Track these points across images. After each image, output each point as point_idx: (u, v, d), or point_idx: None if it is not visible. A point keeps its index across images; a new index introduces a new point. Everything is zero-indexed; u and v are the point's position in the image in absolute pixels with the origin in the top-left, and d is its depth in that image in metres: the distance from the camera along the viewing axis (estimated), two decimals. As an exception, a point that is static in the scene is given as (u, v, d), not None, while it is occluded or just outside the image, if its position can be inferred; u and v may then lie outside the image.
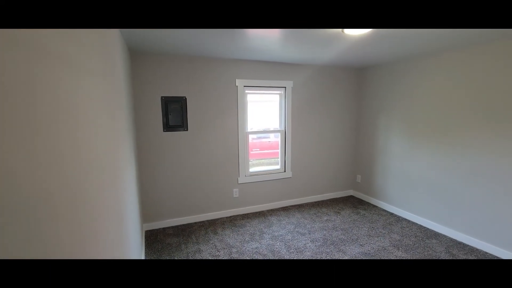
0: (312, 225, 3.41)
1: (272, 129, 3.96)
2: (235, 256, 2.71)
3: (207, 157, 3.48)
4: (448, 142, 3.02)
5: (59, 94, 0.66)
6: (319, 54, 3.16)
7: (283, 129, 3.94)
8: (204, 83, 3.32)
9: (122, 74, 2.07)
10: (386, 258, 2.65)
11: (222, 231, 3.25)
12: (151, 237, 3.11)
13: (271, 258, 2.68)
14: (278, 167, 4.03)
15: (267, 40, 2.52)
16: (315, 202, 4.24)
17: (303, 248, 2.84)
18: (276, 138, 4.05)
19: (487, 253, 2.70)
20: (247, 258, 2.67)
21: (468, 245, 2.86)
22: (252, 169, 3.86)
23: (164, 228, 3.34)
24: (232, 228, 3.34)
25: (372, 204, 4.11)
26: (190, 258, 2.69)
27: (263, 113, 3.89)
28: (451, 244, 2.90)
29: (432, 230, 3.21)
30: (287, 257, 2.69)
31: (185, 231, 3.26)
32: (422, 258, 2.64)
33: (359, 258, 2.65)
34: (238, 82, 3.48)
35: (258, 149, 4.07)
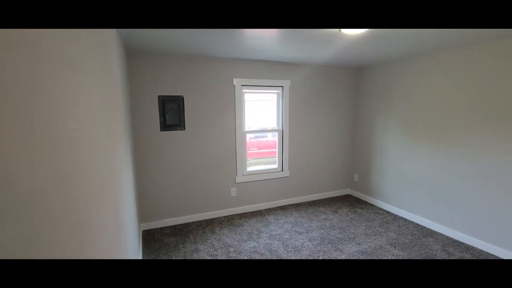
0: (309, 224, 3.42)
1: (269, 128, 3.96)
2: (233, 255, 2.71)
3: (205, 156, 3.47)
4: (445, 141, 3.04)
5: (57, 93, 0.65)
6: (316, 53, 3.16)
7: (280, 128, 3.95)
8: (202, 82, 3.32)
9: (119, 73, 2.05)
10: (384, 257, 2.66)
11: (220, 231, 3.25)
12: (149, 237, 3.10)
13: (269, 257, 2.69)
14: (275, 166, 4.04)
15: (264, 39, 2.52)
16: (313, 201, 4.26)
17: (300, 247, 2.85)
18: (273, 137, 4.05)
19: (483, 251, 2.73)
20: (245, 257, 2.67)
21: (464, 243, 2.88)
22: (249, 169, 3.86)
23: (161, 228, 3.33)
24: (230, 227, 3.34)
25: (369, 203, 4.14)
26: (188, 257, 2.69)
27: (261, 112, 3.89)
28: (447, 242, 2.92)
29: (429, 229, 3.24)
30: (284, 256, 2.70)
31: (183, 231, 3.25)
32: (418, 256, 2.66)
33: (357, 257, 2.67)
34: (236, 81, 3.48)
35: (255, 148, 4.07)
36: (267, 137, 4.13)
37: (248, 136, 3.78)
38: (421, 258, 2.63)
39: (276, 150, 4.03)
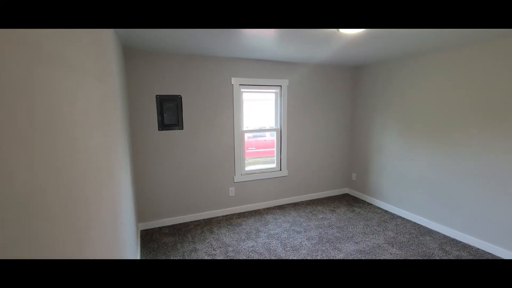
0: (307, 223, 3.43)
1: (267, 127, 3.96)
2: (231, 255, 2.72)
3: (203, 156, 3.47)
4: (443, 140, 3.06)
5: (56, 93, 0.65)
6: (314, 53, 3.17)
7: (278, 127, 3.95)
8: (200, 81, 3.31)
9: (117, 72, 2.04)
10: (381, 255, 2.68)
11: (218, 230, 3.25)
12: (147, 237, 3.10)
13: (267, 256, 2.69)
14: (274, 165, 4.04)
15: (263, 39, 2.52)
16: (311, 200, 4.27)
17: (299, 246, 2.86)
18: (271, 137, 4.06)
19: (479, 249, 2.75)
20: (244, 257, 2.68)
21: (461, 242, 2.90)
22: (248, 168, 3.86)
23: (159, 228, 3.33)
24: (228, 227, 3.34)
25: (367, 202, 4.15)
26: (186, 257, 2.68)
27: (259, 111, 3.89)
28: (444, 241, 2.94)
29: (426, 227, 3.26)
30: (283, 255, 2.71)
31: (181, 230, 3.25)
32: (416, 255, 2.67)
33: (355, 255, 2.68)
34: (234, 80, 3.47)
35: (254, 148, 4.07)
36: (265, 136, 4.13)
37: (246, 135, 3.78)
38: (419, 257, 2.64)
39: (274, 149, 4.03)
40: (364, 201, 4.22)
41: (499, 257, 2.61)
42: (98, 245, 0.98)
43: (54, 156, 0.61)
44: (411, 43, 2.71)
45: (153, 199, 3.30)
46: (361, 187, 4.33)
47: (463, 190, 2.88)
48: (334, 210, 3.84)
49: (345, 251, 2.77)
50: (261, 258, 2.66)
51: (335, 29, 2.21)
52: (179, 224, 3.43)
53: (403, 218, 3.54)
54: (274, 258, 2.66)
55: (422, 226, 3.31)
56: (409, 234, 3.11)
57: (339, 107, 4.30)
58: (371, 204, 4.06)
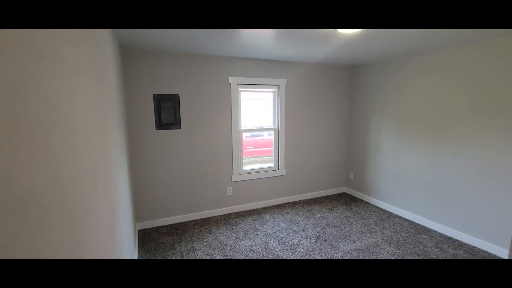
0: (305, 222, 3.44)
1: (265, 127, 3.96)
2: (229, 254, 2.72)
3: (201, 155, 3.47)
4: (440, 139, 3.08)
5: (53, 93, 0.65)
6: (312, 52, 3.17)
7: (276, 127, 3.95)
8: (197, 80, 3.30)
9: (114, 72, 2.03)
10: (379, 254, 2.69)
11: (216, 230, 3.25)
12: (145, 237, 3.09)
13: (265, 255, 2.70)
14: (271, 165, 4.04)
15: (260, 38, 2.52)
16: (309, 199, 4.28)
17: (297, 245, 2.87)
18: (269, 136, 4.06)
19: (475, 247, 2.78)
20: (242, 256, 2.68)
21: (457, 240, 2.93)
22: (246, 167, 3.86)
23: (157, 227, 3.32)
24: (226, 226, 3.34)
25: (364, 201, 4.17)
26: (184, 256, 2.68)
27: (257, 111, 3.89)
28: (441, 239, 2.96)
29: (423, 226, 3.28)
30: (281, 254, 2.71)
31: (179, 230, 3.24)
32: (413, 253, 2.69)
33: (352, 254, 2.69)
34: (232, 79, 3.47)
35: (251, 147, 4.07)
36: (263, 136, 4.13)
37: (244, 135, 3.78)
38: (416, 255, 2.66)
39: (272, 148, 4.03)
40: (361, 200, 4.23)
41: (495, 255, 2.64)
42: (96, 245, 0.98)
43: (52, 156, 0.61)
44: (408, 43, 2.72)
45: (150, 198, 3.29)
46: (358, 186, 4.35)
47: (460, 188, 2.90)
48: (332, 209, 3.85)
49: (343, 250, 2.78)
50: (259, 257, 2.67)
51: (333, 29, 2.21)
52: (177, 223, 3.43)
53: (400, 217, 3.56)
54: (272, 257, 2.67)
55: (419, 224, 3.33)
56: (406, 232, 3.13)
57: (337, 106, 4.31)
58: (369, 203, 4.08)
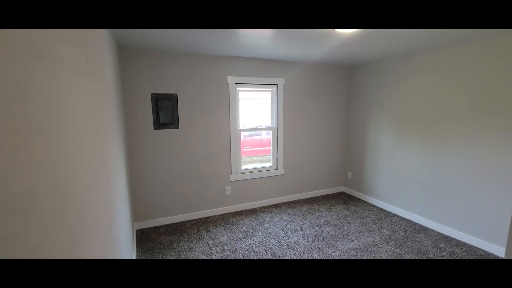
0: (304, 221, 3.45)
1: (264, 126, 3.96)
2: (228, 253, 2.72)
3: (199, 154, 3.46)
4: (438, 138, 3.09)
5: (51, 93, 0.64)
6: (310, 52, 3.17)
7: (275, 126, 3.95)
8: (195, 80, 3.29)
9: (111, 71, 2.02)
10: (377, 253, 2.70)
11: (215, 229, 3.24)
12: (143, 236, 3.08)
13: (263, 255, 2.70)
14: (270, 164, 4.05)
15: (259, 38, 2.51)
16: (307, 198, 4.29)
17: (295, 245, 2.87)
18: (268, 136, 4.06)
19: (472, 246, 2.80)
20: (240, 255, 2.68)
21: (454, 239, 2.95)
22: (244, 167, 3.86)
23: (155, 227, 3.31)
24: (225, 225, 3.34)
25: (362, 200, 4.18)
26: (183, 256, 2.68)
27: (255, 110, 3.89)
28: (438, 238, 2.98)
29: (420, 225, 3.30)
30: (279, 253, 2.72)
31: (177, 230, 3.24)
32: (410, 252, 2.70)
33: (350, 253, 2.70)
34: (230, 79, 3.47)
35: (250, 147, 4.07)
36: (261, 135, 4.13)
37: (242, 134, 3.78)
38: (413, 254, 2.67)
39: (271, 148, 4.03)
40: (359, 199, 4.25)
41: (491, 253, 2.66)
42: (93, 245, 0.98)
43: (49, 156, 0.61)
44: (405, 43, 2.73)
45: (148, 198, 3.28)
46: (356, 186, 4.36)
47: (457, 188, 2.92)
48: (330, 209, 3.86)
49: (341, 249, 2.79)
50: (257, 256, 2.67)
51: (331, 29, 2.21)
52: (175, 223, 3.42)
53: (398, 216, 3.57)
54: (270, 256, 2.67)
55: (416, 223, 3.35)
56: (404, 231, 3.15)
57: (335, 106, 4.32)
58: (367, 202, 4.09)
